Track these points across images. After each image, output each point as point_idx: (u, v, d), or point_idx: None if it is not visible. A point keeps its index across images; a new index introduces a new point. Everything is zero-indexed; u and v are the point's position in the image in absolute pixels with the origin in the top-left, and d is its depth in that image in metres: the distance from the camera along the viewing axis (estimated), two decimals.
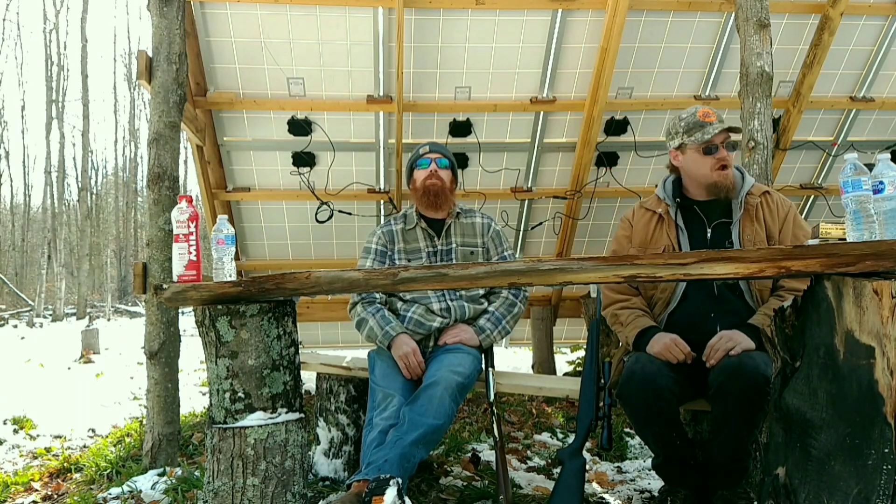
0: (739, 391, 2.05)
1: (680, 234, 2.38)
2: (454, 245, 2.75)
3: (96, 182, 30.63)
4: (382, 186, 4.62)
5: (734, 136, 2.34)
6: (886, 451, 1.43)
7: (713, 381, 2.13)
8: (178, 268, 1.98)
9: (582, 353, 6.33)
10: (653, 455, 2.41)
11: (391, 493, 1.94)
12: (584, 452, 2.26)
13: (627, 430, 3.61)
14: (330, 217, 4.52)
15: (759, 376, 2.02)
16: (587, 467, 2.61)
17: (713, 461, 2.20)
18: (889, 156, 1.60)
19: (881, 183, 1.57)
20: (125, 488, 2.78)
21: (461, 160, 4.51)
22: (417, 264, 2.67)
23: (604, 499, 2.66)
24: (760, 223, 2.31)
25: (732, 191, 2.33)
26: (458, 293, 2.70)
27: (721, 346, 2.16)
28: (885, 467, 1.43)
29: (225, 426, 1.94)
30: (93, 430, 4.34)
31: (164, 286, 1.96)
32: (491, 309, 2.72)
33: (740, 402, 2.05)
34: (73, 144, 27.68)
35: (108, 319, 19.72)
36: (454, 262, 2.72)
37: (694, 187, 2.41)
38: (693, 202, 2.41)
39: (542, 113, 4.42)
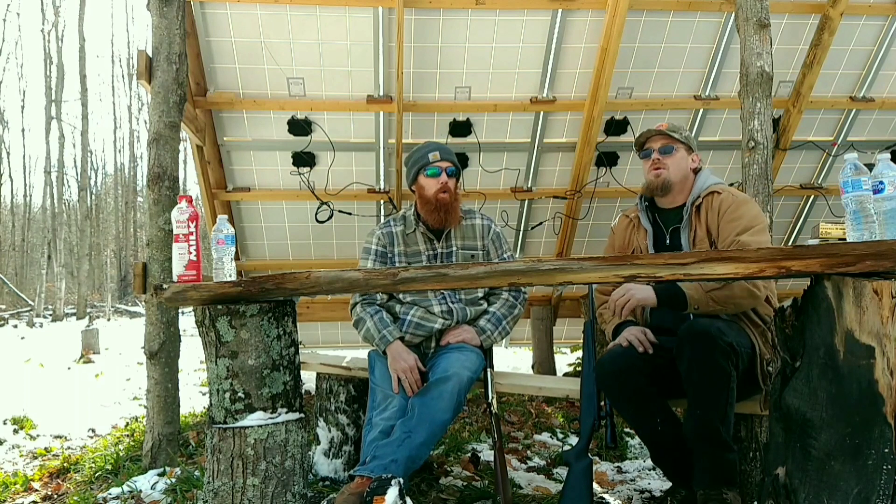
0: (692, 342, 2.06)
1: (648, 238, 2.49)
2: (454, 248, 2.71)
3: (96, 182, 30.67)
4: (382, 186, 4.62)
5: (663, 141, 2.44)
6: (886, 451, 1.43)
7: (674, 351, 2.15)
8: (178, 268, 1.99)
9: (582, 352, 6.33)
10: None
11: (392, 493, 1.95)
12: None
13: (627, 430, 3.61)
14: (330, 217, 4.53)
15: (712, 328, 2.04)
16: None
17: (691, 448, 2.12)
18: (889, 156, 1.60)
19: (881, 183, 1.57)
20: (125, 488, 2.78)
21: (461, 160, 4.51)
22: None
23: (604, 499, 2.66)
24: (701, 223, 2.36)
25: (659, 190, 2.43)
26: (458, 296, 2.68)
27: (617, 299, 2.20)
28: (885, 467, 1.43)
29: (225, 426, 1.94)
30: (93, 430, 4.34)
31: (164, 286, 1.96)
32: (492, 310, 2.70)
33: (696, 352, 2.04)
34: (73, 144, 27.69)
35: (108, 319, 19.71)
36: None
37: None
38: (656, 209, 2.52)
39: (542, 113, 4.42)
